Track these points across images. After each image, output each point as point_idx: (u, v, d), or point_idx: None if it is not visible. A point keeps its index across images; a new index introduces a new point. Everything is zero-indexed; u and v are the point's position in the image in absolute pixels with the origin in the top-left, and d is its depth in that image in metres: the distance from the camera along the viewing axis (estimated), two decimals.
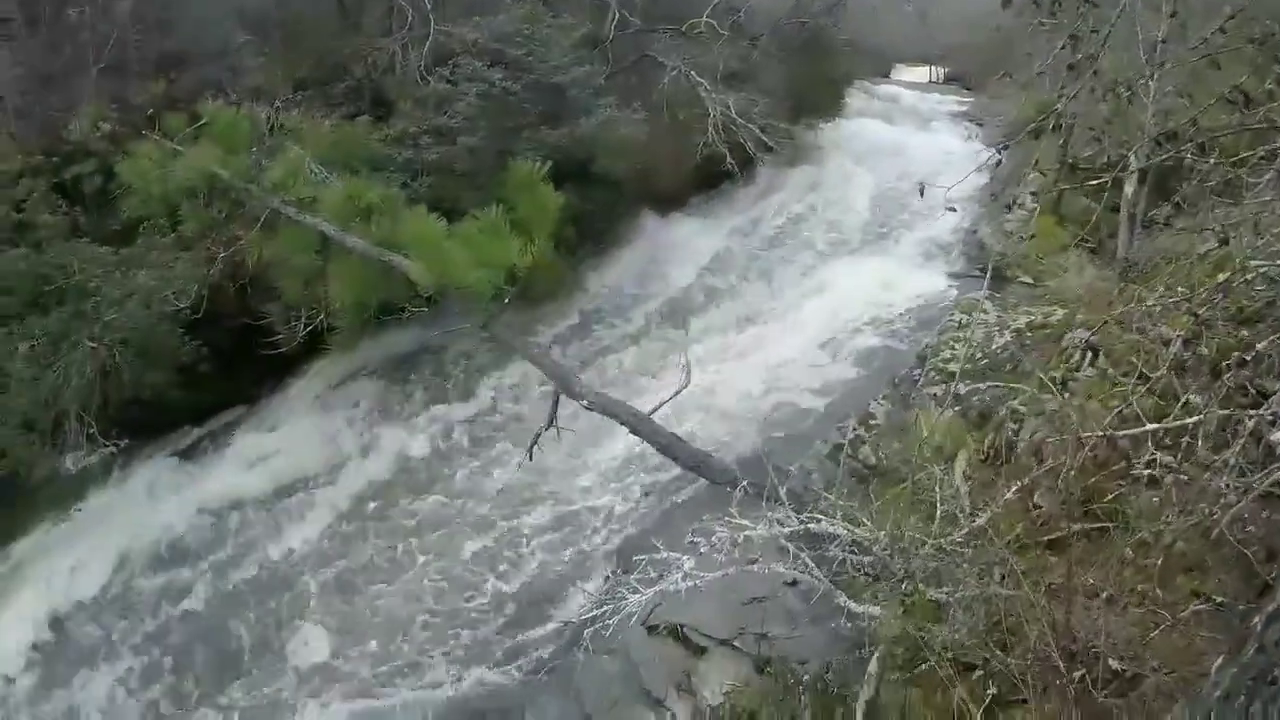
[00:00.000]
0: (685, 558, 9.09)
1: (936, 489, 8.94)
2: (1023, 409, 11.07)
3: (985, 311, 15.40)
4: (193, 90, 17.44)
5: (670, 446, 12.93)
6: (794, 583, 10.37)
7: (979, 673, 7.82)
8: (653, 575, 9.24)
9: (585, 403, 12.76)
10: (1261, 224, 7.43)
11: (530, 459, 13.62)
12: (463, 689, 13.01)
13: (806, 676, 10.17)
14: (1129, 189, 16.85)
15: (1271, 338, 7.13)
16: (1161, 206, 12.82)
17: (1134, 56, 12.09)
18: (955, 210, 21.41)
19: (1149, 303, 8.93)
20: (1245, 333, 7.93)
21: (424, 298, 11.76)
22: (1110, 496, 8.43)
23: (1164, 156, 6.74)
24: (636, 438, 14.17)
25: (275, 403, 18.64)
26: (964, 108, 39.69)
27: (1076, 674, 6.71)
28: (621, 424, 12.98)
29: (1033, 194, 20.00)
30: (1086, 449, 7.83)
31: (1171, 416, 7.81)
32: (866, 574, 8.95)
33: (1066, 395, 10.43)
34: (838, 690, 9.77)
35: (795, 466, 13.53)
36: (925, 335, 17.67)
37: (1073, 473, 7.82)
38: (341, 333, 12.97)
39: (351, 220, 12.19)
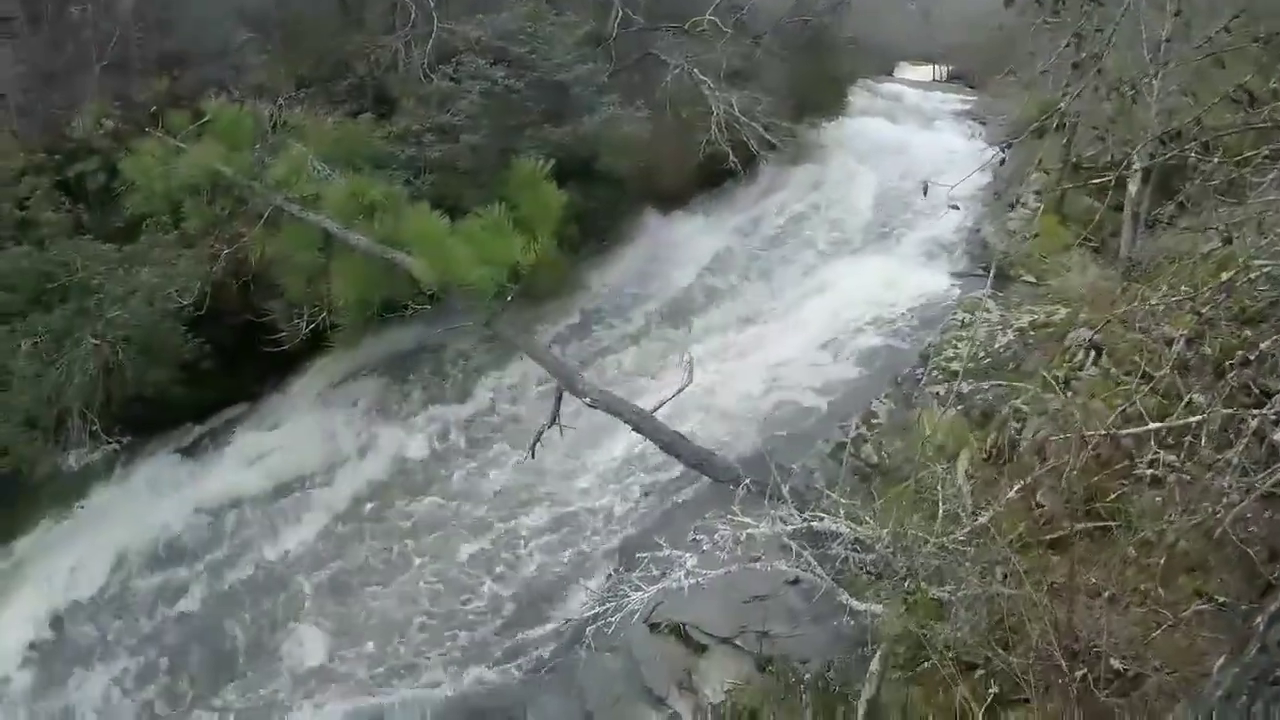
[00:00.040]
0: (688, 555, 9.10)
1: (939, 487, 8.94)
2: (1025, 408, 11.07)
3: (988, 310, 15.39)
4: (195, 88, 17.45)
5: (673, 444, 12.95)
6: (795, 581, 10.37)
7: (981, 671, 7.83)
8: (655, 573, 9.25)
9: (588, 400, 12.77)
10: (1265, 223, 7.43)
11: (532, 457, 13.62)
12: (463, 687, 13.00)
13: (808, 675, 10.17)
14: (1132, 188, 16.83)
15: (1275, 337, 7.12)
16: (1165, 206, 12.82)
17: (1138, 55, 12.10)
18: (958, 209, 21.45)
19: (1152, 301, 8.92)
20: (1249, 332, 7.92)
21: (427, 295, 11.78)
22: (1113, 496, 8.42)
23: (1168, 155, 6.74)
24: (635, 439, 14.21)
25: (276, 401, 18.62)
26: (967, 106, 39.65)
27: (1078, 673, 6.70)
28: (624, 422, 13.00)
29: (1036, 193, 20.04)
30: (1089, 448, 7.82)
31: (1174, 415, 7.80)
32: (869, 572, 8.96)
33: (1069, 394, 10.43)
34: (839, 689, 9.77)
35: (798, 465, 13.51)
36: (927, 334, 17.63)
37: (1075, 472, 7.81)
38: (344, 330, 12.99)
39: (354, 217, 12.21)
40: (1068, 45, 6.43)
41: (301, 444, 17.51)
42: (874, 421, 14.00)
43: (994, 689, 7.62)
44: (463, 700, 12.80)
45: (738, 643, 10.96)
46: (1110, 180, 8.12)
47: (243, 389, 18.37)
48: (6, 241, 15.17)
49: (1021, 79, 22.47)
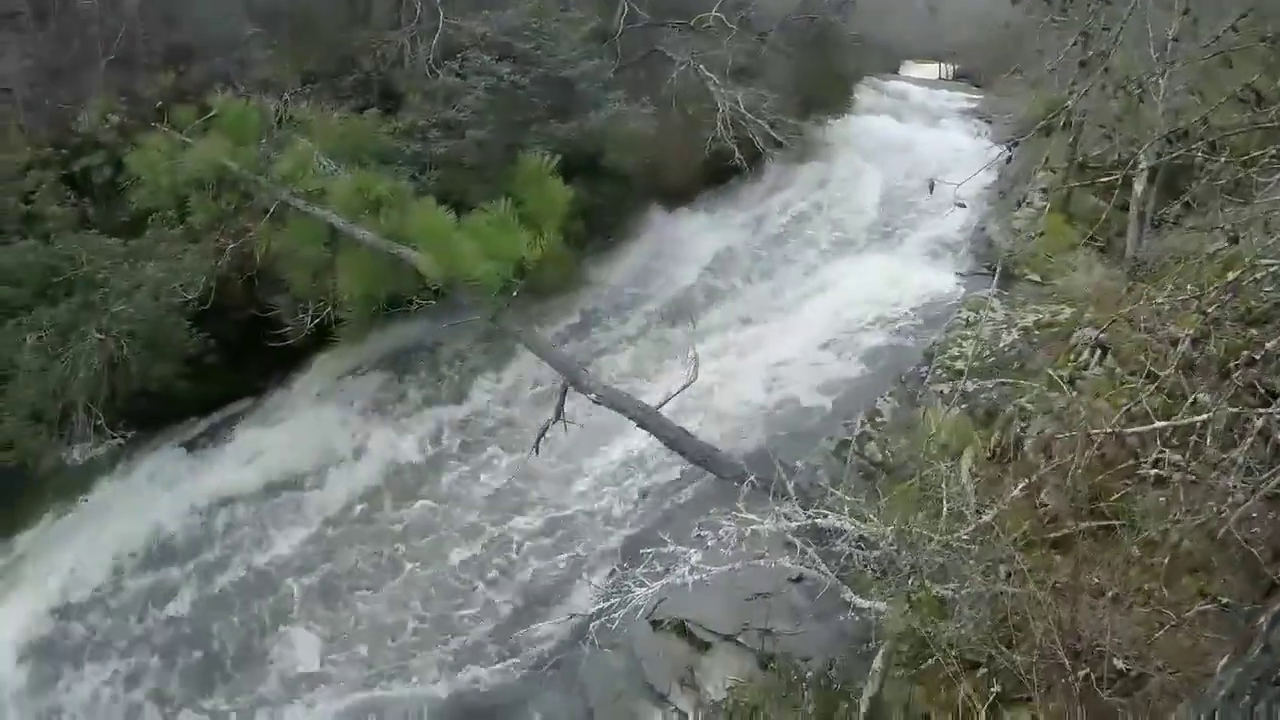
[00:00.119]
0: (692, 551, 9.10)
1: (943, 486, 8.93)
2: (1030, 407, 11.06)
3: (993, 309, 15.37)
4: (201, 83, 17.48)
5: (677, 441, 12.94)
6: (798, 579, 10.39)
7: (983, 670, 7.82)
8: (659, 569, 9.26)
9: (593, 396, 12.77)
10: (1272, 223, 7.40)
11: (537, 453, 13.61)
12: (466, 684, 13.01)
13: (810, 673, 10.19)
14: (1138, 187, 16.80)
15: None
16: (1171, 205, 12.79)
17: (1144, 54, 12.04)
18: (965, 207, 21.44)
19: (1158, 301, 8.91)
20: (1254, 332, 7.90)
21: (432, 290, 11.77)
22: (1117, 495, 8.42)
23: (1174, 155, 6.72)
24: (632, 443, 14.19)
25: (279, 397, 18.66)
26: (973, 105, 39.58)
27: (1081, 672, 6.70)
28: (629, 418, 12.99)
29: (1043, 191, 19.98)
30: (1094, 446, 7.81)
31: (1179, 415, 7.79)
32: (873, 570, 8.95)
33: (1074, 393, 10.42)
34: (841, 687, 9.79)
35: (801, 463, 13.50)
36: (932, 333, 17.61)
37: (1080, 471, 7.80)
38: (349, 325, 12.98)
39: (360, 212, 12.21)
40: (1075, 43, 6.43)
41: (300, 443, 17.49)
42: (878, 420, 14.00)
43: (996, 687, 7.62)
44: (463, 698, 12.82)
45: (740, 640, 10.98)
46: (1117, 179, 8.12)
47: (247, 384, 18.43)
48: (12, 236, 15.23)
49: (1028, 77, 22.44)
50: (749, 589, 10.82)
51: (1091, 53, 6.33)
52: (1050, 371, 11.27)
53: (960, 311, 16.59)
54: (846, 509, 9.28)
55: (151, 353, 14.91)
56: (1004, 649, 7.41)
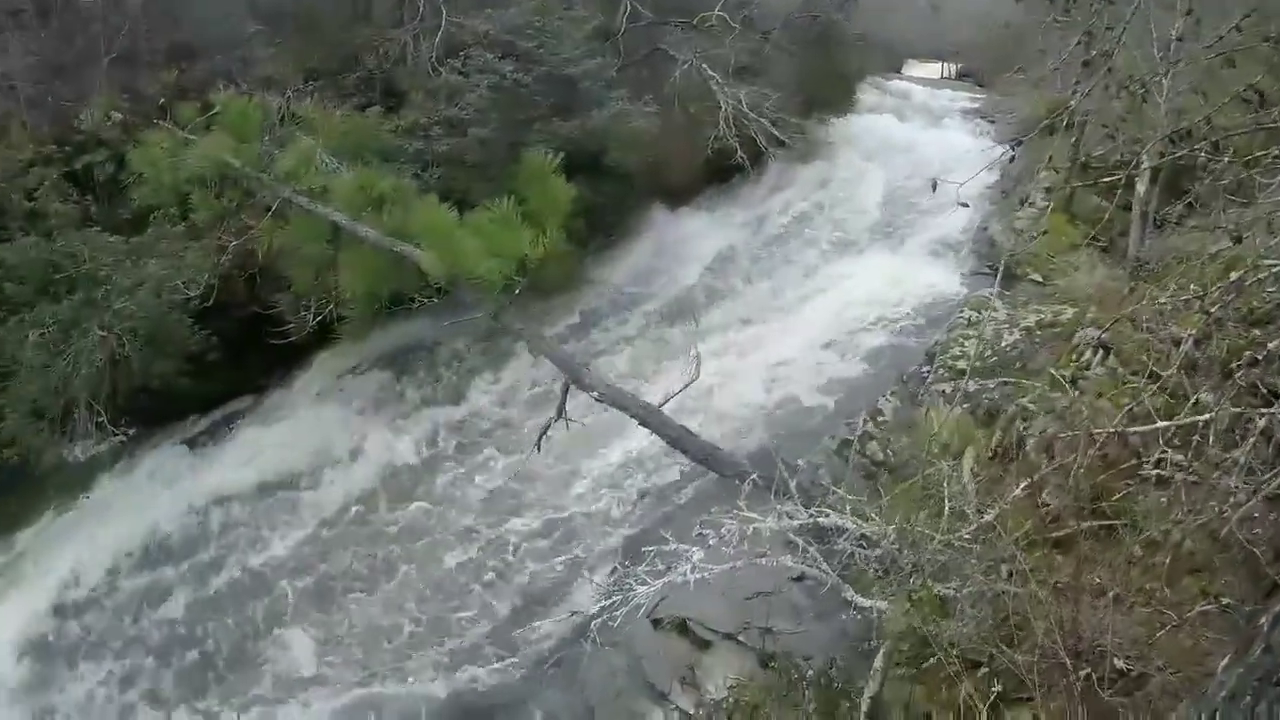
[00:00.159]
0: (694, 549, 9.10)
1: (945, 485, 8.93)
2: (1032, 406, 11.06)
3: (995, 309, 15.37)
4: (204, 80, 17.48)
5: (679, 440, 12.91)
6: (799, 578, 10.39)
7: (984, 670, 7.83)
8: (661, 567, 9.25)
9: (595, 395, 12.73)
10: (1275, 224, 7.39)
11: (539, 451, 13.59)
12: (465, 683, 13.02)
13: (810, 672, 10.20)
14: (1141, 188, 16.78)
15: None
16: (1174, 205, 12.79)
17: (1148, 54, 12.04)
18: (967, 206, 21.40)
19: (1161, 300, 8.90)
20: (1257, 332, 7.89)
21: (434, 288, 11.76)
22: (1119, 495, 8.42)
23: (1177, 155, 6.72)
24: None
25: (279, 396, 18.68)
26: (976, 104, 39.44)
27: (1082, 672, 6.71)
28: (631, 416, 12.95)
29: (1045, 191, 19.97)
30: (1097, 446, 7.81)
31: (1182, 415, 7.79)
32: (874, 569, 8.95)
33: (1076, 393, 10.42)
34: (842, 686, 9.79)
35: (803, 461, 13.50)
36: (934, 333, 17.61)
37: (1082, 470, 7.81)
38: (352, 323, 12.97)
39: (363, 210, 12.18)
40: (1078, 43, 6.42)
41: (299, 443, 17.51)
42: (880, 419, 14.01)
43: (997, 687, 7.62)
44: (462, 696, 12.83)
45: (741, 639, 11.00)
46: (1119, 179, 8.13)
47: (249, 381, 18.44)
48: (15, 232, 15.25)
49: (1030, 77, 22.45)
50: (750, 588, 10.83)
51: (1095, 52, 6.31)
52: (1053, 371, 11.27)
53: (962, 311, 16.61)
54: (848, 508, 9.28)
55: (153, 350, 14.93)
56: (1005, 648, 7.41)
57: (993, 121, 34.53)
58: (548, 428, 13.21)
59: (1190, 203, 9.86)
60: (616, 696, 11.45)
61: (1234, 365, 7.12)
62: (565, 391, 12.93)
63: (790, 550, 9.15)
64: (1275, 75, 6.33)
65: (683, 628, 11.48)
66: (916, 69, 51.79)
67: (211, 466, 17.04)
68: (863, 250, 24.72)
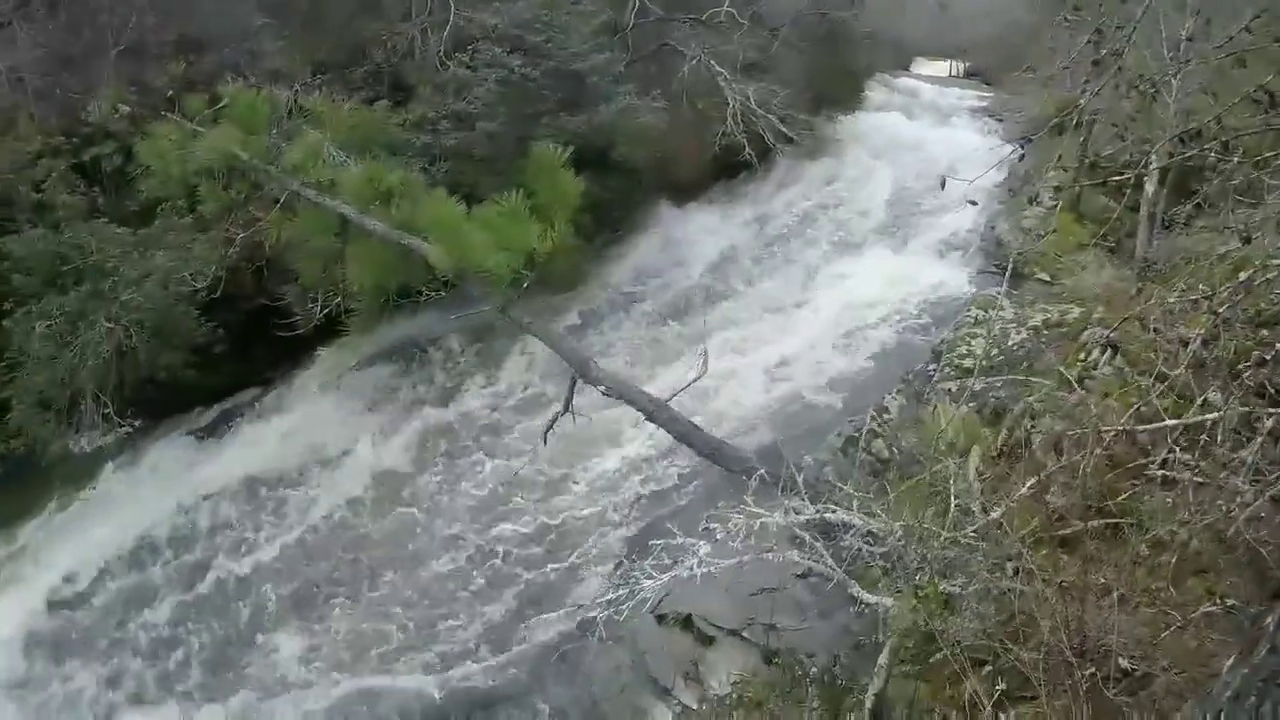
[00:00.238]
0: (701, 544, 9.11)
1: (951, 483, 8.93)
2: (1039, 405, 11.06)
3: (1002, 309, 15.36)
4: (211, 73, 17.45)
5: (686, 434, 12.90)
6: (804, 574, 10.41)
7: (989, 668, 7.83)
8: (667, 561, 9.26)
9: (603, 388, 12.71)
10: None
11: (545, 444, 13.58)
12: (470, 675, 13.02)
13: (814, 668, 10.21)
14: (1149, 188, 16.74)
15: None
16: (1182, 206, 12.78)
17: (1158, 53, 12.03)
18: (976, 204, 21.37)
19: (1169, 300, 8.89)
20: (1265, 332, 7.90)
21: (442, 281, 11.75)
22: (1125, 495, 8.42)
23: (1187, 155, 6.70)
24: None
25: (284, 389, 18.68)
26: (984, 103, 39.35)
27: (1087, 671, 6.71)
28: (638, 410, 12.94)
29: (1056, 188, 19.94)
30: (1104, 445, 7.81)
31: (1189, 415, 7.79)
32: (880, 565, 8.97)
33: (1083, 393, 10.42)
34: (846, 683, 9.80)
35: (810, 458, 13.51)
36: (941, 332, 17.59)
37: (1089, 469, 7.80)
38: (359, 316, 12.99)
39: (371, 203, 12.17)
40: (1088, 42, 6.41)
41: (299, 441, 17.51)
42: (885, 417, 14.00)
43: (1002, 685, 7.62)
44: (469, 691, 12.83)
45: (745, 635, 11.01)
46: (1128, 179, 8.13)
47: (255, 374, 18.47)
48: (22, 224, 15.26)
49: (1039, 76, 22.40)
50: (754, 584, 10.83)
51: (1105, 51, 6.30)
52: (1061, 370, 11.27)
53: (969, 310, 16.58)
54: (855, 504, 9.29)
55: (160, 341, 14.96)
56: (1010, 646, 7.41)
57: (1001, 120, 34.46)
58: (554, 422, 13.19)
59: (1199, 203, 9.86)
60: (621, 691, 11.48)
61: (1242, 365, 7.12)
62: (572, 385, 12.90)
63: (796, 546, 9.16)
64: None
65: (687, 623, 11.50)
66: (925, 67, 51.72)
67: (214, 460, 17.06)
68: (869, 248, 24.64)
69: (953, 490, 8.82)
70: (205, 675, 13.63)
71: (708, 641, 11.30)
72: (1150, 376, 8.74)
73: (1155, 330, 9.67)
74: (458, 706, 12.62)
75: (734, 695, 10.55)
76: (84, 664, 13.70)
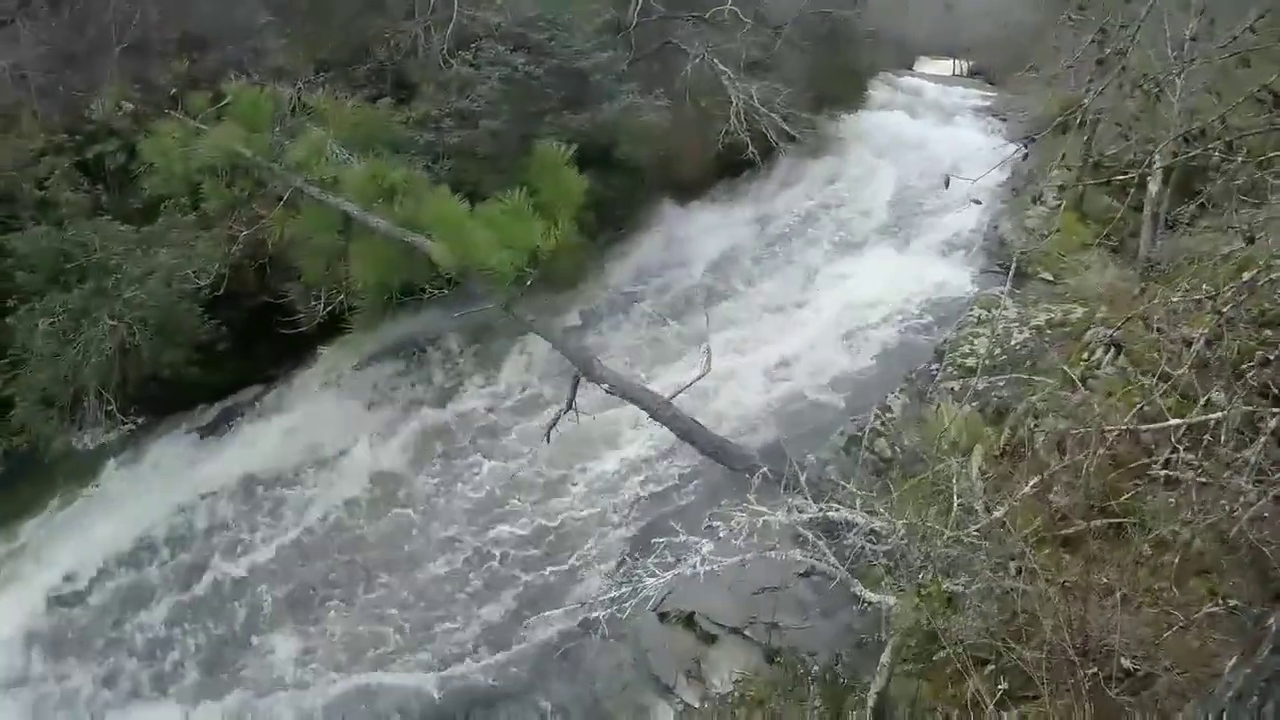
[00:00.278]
0: (704, 542, 9.12)
1: (954, 482, 8.94)
2: (1042, 405, 11.05)
3: (1005, 308, 15.35)
4: (215, 71, 17.46)
5: (690, 432, 12.91)
6: (806, 573, 10.41)
7: (991, 667, 7.83)
8: (670, 559, 9.27)
9: (606, 386, 12.71)
10: None
11: (548, 441, 13.58)
12: (470, 673, 13.03)
13: (816, 667, 10.21)
14: (1153, 188, 16.72)
15: None
16: (1185, 206, 12.77)
17: (1162, 53, 12.01)
18: (980, 203, 21.34)
19: (1173, 300, 8.89)
20: (1268, 333, 7.90)
21: (445, 279, 11.75)
22: (1128, 495, 8.42)
23: (1190, 155, 6.70)
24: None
25: (285, 387, 18.70)
26: (987, 102, 39.30)
27: (1089, 671, 6.71)
28: (642, 408, 12.95)
29: (1060, 188, 19.90)
30: (1108, 444, 7.80)
31: (1193, 414, 7.78)
32: (883, 564, 8.97)
33: (1086, 392, 10.41)
34: (847, 681, 9.81)
35: (813, 457, 13.50)
36: (943, 331, 17.57)
37: (1092, 469, 7.80)
38: (362, 313, 13.00)
39: (374, 201, 12.17)
40: (1093, 41, 6.40)
41: (300, 439, 17.52)
42: (888, 416, 14.00)
43: (1004, 684, 7.63)
44: (468, 687, 12.83)
45: (747, 633, 11.02)
46: (1132, 179, 8.13)
47: (258, 371, 18.50)
48: (26, 221, 15.29)
49: (1043, 75, 22.37)
50: (757, 582, 10.85)
51: (1109, 50, 6.29)
52: (1065, 369, 11.27)
53: (972, 309, 16.58)
54: (858, 502, 9.29)
55: (163, 339, 14.96)
56: (1013, 645, 7.42)
57: (1004, 119, 34.44)
58: (557, 420, 13.20)
59: (1202, 203, 9.85)
60: (623, 689, 11.49)
61: (1245, 366, 7.12)
62: (575, 383, 12.91)
63: (799, 544, 9.17)
64: None
65: (689, 621, 11.51)
66: (928, 66, 51.68)
67: (215, 458, 17.08)
68: (872, 247, 24.61)
69: (955, 489, 8.83)
70: (201, 676, 13.63)
71: (710, 640, 11.31)
72: (1153, 376, 8.72)
73: (1158, 330, 9.66)
74: (458, 704, 12.63)
75: (736, 693, 10.56)
76: (80, 663, 13.71)
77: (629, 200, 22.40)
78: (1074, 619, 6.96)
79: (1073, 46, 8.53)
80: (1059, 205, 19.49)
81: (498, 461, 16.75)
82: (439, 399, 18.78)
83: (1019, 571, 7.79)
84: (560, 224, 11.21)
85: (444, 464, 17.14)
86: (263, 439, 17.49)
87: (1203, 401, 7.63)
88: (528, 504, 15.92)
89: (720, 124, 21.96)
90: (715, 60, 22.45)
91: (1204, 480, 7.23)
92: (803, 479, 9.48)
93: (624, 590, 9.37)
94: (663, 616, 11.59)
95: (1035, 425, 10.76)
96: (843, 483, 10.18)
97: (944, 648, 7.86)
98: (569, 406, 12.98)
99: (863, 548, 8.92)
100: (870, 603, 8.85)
